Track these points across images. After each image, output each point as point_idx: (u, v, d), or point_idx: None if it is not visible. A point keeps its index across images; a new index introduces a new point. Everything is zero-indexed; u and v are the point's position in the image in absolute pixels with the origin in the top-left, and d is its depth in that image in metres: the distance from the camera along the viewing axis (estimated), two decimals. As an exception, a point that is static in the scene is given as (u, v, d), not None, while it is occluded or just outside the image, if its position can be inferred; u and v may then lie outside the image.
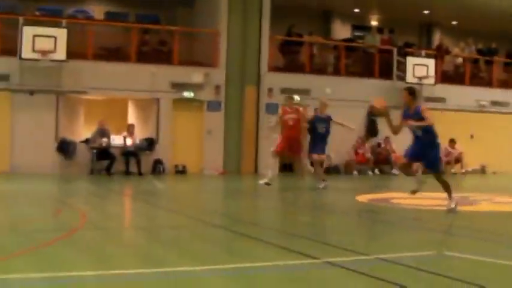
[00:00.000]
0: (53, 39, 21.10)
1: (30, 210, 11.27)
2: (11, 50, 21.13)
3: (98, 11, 27.47)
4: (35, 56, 20.83)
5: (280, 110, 16.59)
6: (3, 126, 21.14)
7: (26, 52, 20.80)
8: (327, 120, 16.22)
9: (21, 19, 21.31)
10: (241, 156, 23.60)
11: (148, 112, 23.70)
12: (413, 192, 11.65)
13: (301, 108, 16.85)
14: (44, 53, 20.86)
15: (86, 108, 23.46)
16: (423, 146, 11.22)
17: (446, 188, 11.16)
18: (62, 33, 21.40)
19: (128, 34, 24.16)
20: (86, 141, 22.05)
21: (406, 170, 11.82)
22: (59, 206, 12.38)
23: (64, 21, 22.10)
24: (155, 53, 24.35)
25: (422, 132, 11.17)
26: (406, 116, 11.34)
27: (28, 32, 21.04)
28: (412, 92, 11.63)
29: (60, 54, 21.07)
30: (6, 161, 20.94)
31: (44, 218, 10.37)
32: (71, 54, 21.36)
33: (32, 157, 20.87)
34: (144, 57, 23.67)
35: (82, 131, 22.95)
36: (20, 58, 20.87)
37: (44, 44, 20.97)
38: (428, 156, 11.26)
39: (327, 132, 16.23)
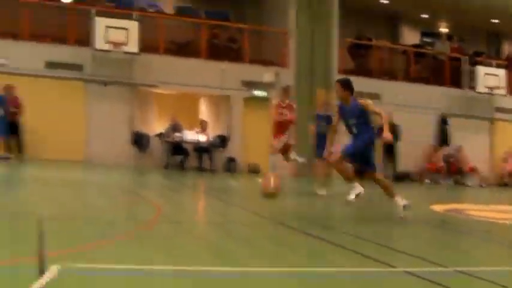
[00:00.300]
0: (125, 31, 21.33)
1: (105, 200, 11.37)
2: (85, 40, 21.44)
3: (167, 5, 27.71)
4: (108, 47, 21.11)
5: (274, 102, 15.72)
6: (78, 116, 21.45)
7: (99, 43, 21.08)
8: (328, 118, 13.68)
9: (93, 10, 21.59)
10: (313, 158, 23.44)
11: (220, 109, 23.82)
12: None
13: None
14: (116, 44, 21.10)
15: (158, 102, 23.67)
16: (363, 144, 10.20)
17: (386, 188, 10.39)
18: (133, 26, 21.63)
19: (198, 30, 24.30)
20: (160, 135, 22.28)
21: (340, 168, 10.43)
22: (134, 197, 12.50)
23: (135, 14, 22.31)
24: (225, 50, 24.42)
25: (361, 128, 10.18)
26: (343, 112, 10.36)
27: (101, 23, 21.29)
28: (345, 84, 10.38)
29: (132, 46, 21.30)
30: (81, 151, 21.26)
31: (120, 209, 10.51)
32: (142, 47, 21.58)
33: (106, 148, 21.16)
34: (215, 53, 23.76)
35: (155, 125, 23.19)
36: (93, 49, 21.16)
37: (116, 35, 21.21)
38: (367, 155, 10.32)
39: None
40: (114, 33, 21.19)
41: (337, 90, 10.41)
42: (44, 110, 20.87)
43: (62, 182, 14.49)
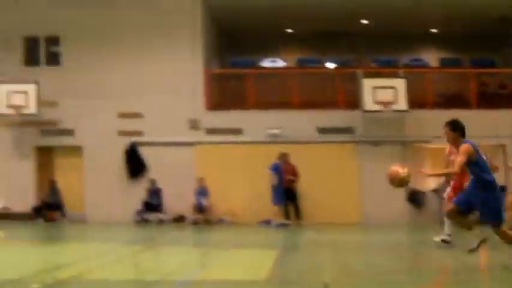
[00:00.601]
0: (392, 89, 21.36)
1: (389, 261, 11.27)
2: (353, 103, 21.77)
3: (432, 59, 27.46)
4: (377, 107, 21.22)
5: (447, 148, 13.51)
6: (352, 178, 21.68)
7: (368, 104, 21.28)
8: None
9: (359, 72, 21.91)
10: None
11: (495, 159, 22.81)
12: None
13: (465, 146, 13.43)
14: (385, 104, 21.15)
15: (431, 157, 23.25)
16: (477, 191, 9.39)
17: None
18: (400, 84, 21.58)
19: (465, 80, 23.67)
20: (435, 190, 21.79)
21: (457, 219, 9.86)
22: (416, 256, 12.28)
23: (401, 71, 22.28)
24: (496, 98, 23.50)
25: (472, 174, 9.41)
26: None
27: (368, 84, 21.53)
28: (454, 126, 9.61)
29: (401, 104, 21.22)
30: (357, 212, 21.44)
31: (404, 269, 10.41)
32: (411, 103, 21.42)
33: (381, 207, 21.10)
34: (485, 102, 22.93)
35: (429, 180, 22.75)
36: (363, 110, 21.41)
37: (384, 95, 21.27)
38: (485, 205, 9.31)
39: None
40: (382, 93, 21.29)
41: (446, 133, 9.70)
42: (318, 174, 21.40)
43: (343, 244, 14.62)
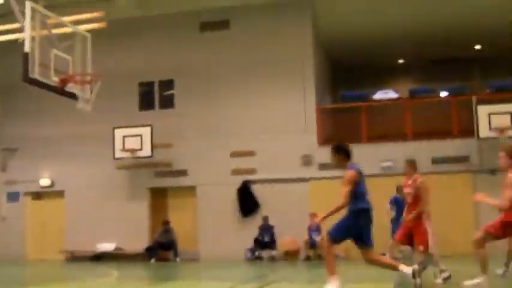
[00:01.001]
0: (509, 115, 20.71)
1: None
2: (468, 131, 21.12)
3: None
4: (493, 134, 20.52)
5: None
6: (467, 208, 20.74)
7: (483, 131, 20.62)
8: None
9: (473, 99, 21.29)
10: None
11: None
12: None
13: (420, 179, 12.11)
14: (501, 130, 20.57)
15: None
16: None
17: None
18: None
19: None
20: None
21: None
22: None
23: (517, 96, 21.58)
24: None
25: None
26: None
27: (482, 111, 20.95)
28: (337, 150, 9.36)
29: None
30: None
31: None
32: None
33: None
34: None
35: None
36: (478, 138, 20.73)
37: (500, 121, 20.71)
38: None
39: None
40: (498, 119, 20.70)
41: (332, 158, 9.49)
42: (434, 205, 20.68)
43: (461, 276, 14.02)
